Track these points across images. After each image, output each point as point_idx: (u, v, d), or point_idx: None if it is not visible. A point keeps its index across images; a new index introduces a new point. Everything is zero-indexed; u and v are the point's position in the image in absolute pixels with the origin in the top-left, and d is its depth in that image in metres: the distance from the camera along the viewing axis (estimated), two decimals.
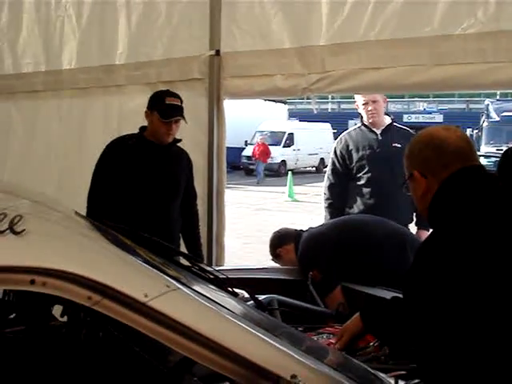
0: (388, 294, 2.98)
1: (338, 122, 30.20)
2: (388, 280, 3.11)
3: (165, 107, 3.59)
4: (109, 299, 1.53)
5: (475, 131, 25.12)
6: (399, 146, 4.12)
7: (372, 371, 1.97)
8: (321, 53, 3.74)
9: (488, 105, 25.50)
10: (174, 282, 1.74)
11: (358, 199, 4.26)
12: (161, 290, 1.60)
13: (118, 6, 4.56)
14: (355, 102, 4.54)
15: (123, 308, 1.53)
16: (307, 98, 4.10)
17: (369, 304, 2.42)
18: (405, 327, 2.00)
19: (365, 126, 4.41)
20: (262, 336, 1.65)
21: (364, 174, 4.26)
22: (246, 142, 27.71)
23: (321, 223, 4.06)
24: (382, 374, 2.00)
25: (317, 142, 28.97)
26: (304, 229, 3.66)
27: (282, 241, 3.60)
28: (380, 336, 2.34)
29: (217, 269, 2.90)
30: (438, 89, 3.92)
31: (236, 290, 2.53)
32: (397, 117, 5.32)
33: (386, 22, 3.51)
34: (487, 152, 21.05)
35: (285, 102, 34.39)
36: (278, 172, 27.13)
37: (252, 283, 3.13)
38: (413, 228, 4.28)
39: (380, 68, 3.58)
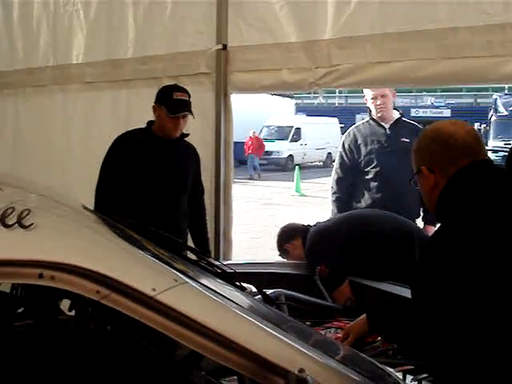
0: (396, 289, 2.99)
1: (346, 116, 30.17)
2: (395, 275, 3.10)
3: (173, 102, 3.58)
4: (117, 293, 1.53)
5: (483, 125, 25.02)
6: (408, 141, 4.11)
7: (380, 366, 1.97)
8: (327, 47, 3.71)
9: (496, 99, 25.39)
10: (182, 276, 1.74)
11: (366, 193, 4.25)
12: (169, 284, 1.60)
13: (125, 1, 4.58)
14: (363, 96, 4.52)
15: (131, 302, 1.53)
16: (314, 93, 4.09)
17: (376, 305, 2.40)
18: (412, 328, 1.99)
19: (373, 120, 4.40)
20: (270, 330, 1.65)
21: (372, 168, 4.25)
22: None
23: (328, 218, 4.06)
24: (389, 369, 2.00)
25: (324, 137, 28.92)
26: (311, 224, 3.66)
27: (289, 236, 3.59)
28: (386, 337, 2.34)
29: (224, 263, 2.91)
30: (445, 83, 3.90)
31: (244, 285, 2.53)
32: (404, 111, 5.30)
33: (393, 16, 3.48)
34: (495, 146, 20.99)
35: (292, 97, 34.36)
36: (285, 166, 27.05)
37: (260, 277, 3.13)
38: (420, 223, 4.26)
39: (387, 62, 3.55)
